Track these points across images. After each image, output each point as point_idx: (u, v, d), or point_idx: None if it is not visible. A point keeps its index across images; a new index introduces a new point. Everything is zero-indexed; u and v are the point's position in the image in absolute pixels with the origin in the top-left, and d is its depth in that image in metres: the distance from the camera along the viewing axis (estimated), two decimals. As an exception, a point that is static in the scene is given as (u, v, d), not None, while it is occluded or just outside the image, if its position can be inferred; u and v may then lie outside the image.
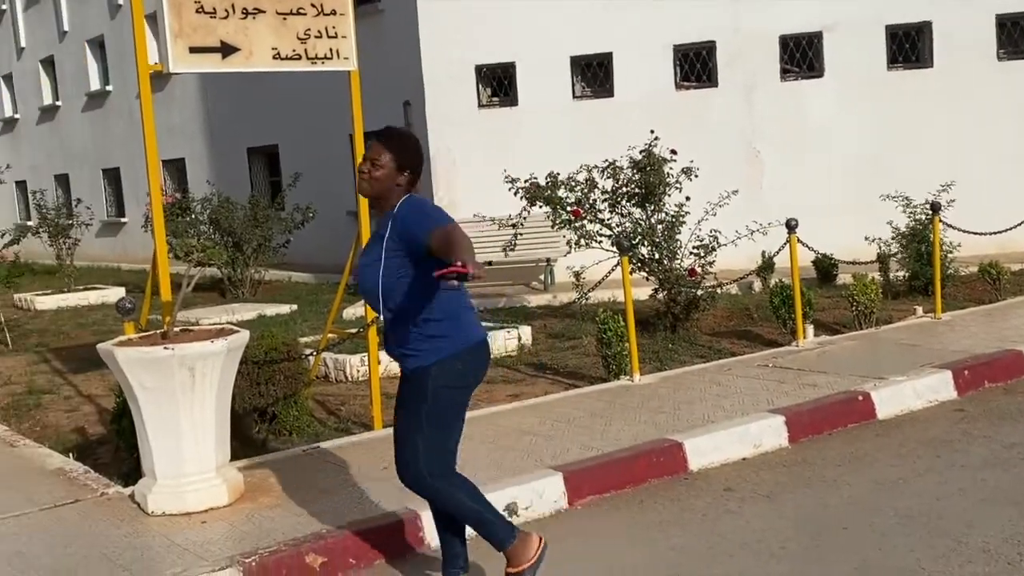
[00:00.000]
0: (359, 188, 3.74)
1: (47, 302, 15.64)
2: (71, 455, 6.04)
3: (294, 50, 5.49)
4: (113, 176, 26.00)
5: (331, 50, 5.62)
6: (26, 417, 7.64)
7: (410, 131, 3.96)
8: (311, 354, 6.88)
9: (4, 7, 29.90)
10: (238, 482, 4.85)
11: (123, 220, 25.41)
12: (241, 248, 15.57)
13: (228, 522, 4.52)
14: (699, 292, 9.46)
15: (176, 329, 4.82)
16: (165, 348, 4.48)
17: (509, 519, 4.00)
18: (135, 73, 22.01)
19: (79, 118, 27.01)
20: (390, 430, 6.02)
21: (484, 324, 8.83)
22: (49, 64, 28.49)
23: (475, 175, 14.43)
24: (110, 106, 25.37)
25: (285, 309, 13.17)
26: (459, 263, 3.09)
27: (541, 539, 3.83)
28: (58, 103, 28.01)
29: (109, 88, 25.17)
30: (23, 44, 29.35)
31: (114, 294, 16.21)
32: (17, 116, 30.72)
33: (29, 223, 28.15)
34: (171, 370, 4.48)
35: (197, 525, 4.49)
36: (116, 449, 6.20)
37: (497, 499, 4.68)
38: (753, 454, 5.67)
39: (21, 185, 29.63)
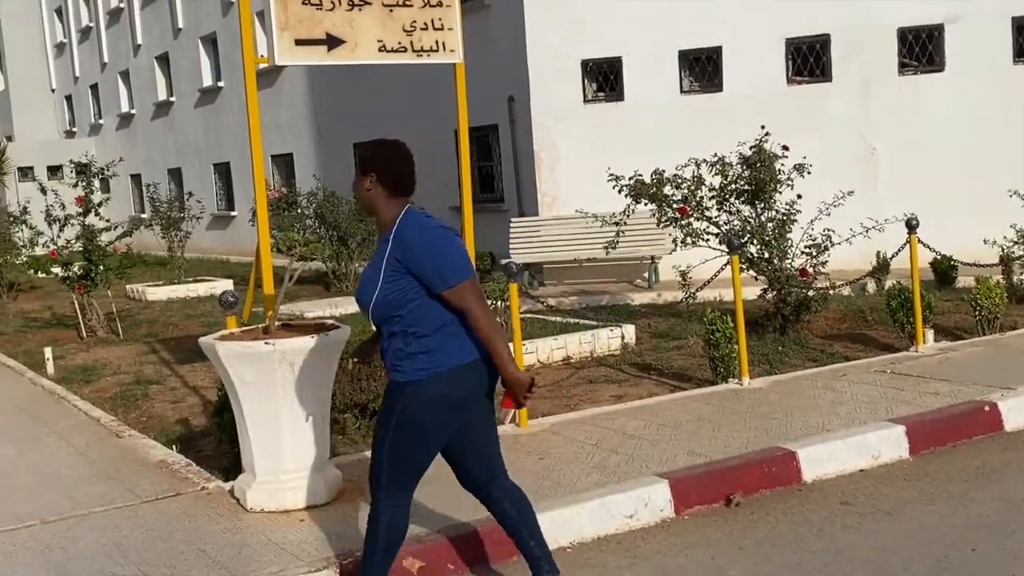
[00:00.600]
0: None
1: (158, 293, 16.04)
2: (174, 447, 6.08)
3: (399, 42, 5.40)
4: (223, 170, 26.61)
5: (437, 42, 5.52)
6: (133, 407, 7.76)
7: (381, 139, 3.81)
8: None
9: (122, 5, 30.89)
10: (336, 481, 4.78)
11: (232, 214, 25.98)
12: (346, 242, 15.73)
13: (326, 522, 4.44)
14: (810, 293, 9.11)
15: (277, 324, 4.77)
16: (266, 343, 4.42)
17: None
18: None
19: (192, 113, 27.72)
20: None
21: (586, 322, 8.63)
22: (164, 61, 29.32)
23: (578, 170, 14.28)
24: (221, 102, 25.96)
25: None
26: (512, 400, 3.42)
27: None
28: (172, 99, 28.81)
29: (221, 84, 25.76)
30: (139, 41, 30.28)
31: (222, 286, 16.53)
32: (133, 112, 31.72)
33: (143, 215, 29.09)
34: (271, 365, 4.43)
35: (295, 523, 4.43)
36: (218, 442, 6.23)
37: (602, 506, 4.52)
38: (871, 466, 5.36)
39: (136, 179, 30.61)
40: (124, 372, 9.35)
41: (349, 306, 12.83)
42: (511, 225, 14.40)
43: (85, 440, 6.38)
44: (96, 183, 12.66)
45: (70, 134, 38.55)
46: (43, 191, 12.22)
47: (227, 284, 16.65)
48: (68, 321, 13.50)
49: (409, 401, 3.51)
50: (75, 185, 12.66)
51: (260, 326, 4.86)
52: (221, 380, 5.34)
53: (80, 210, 11.85)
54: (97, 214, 12.13)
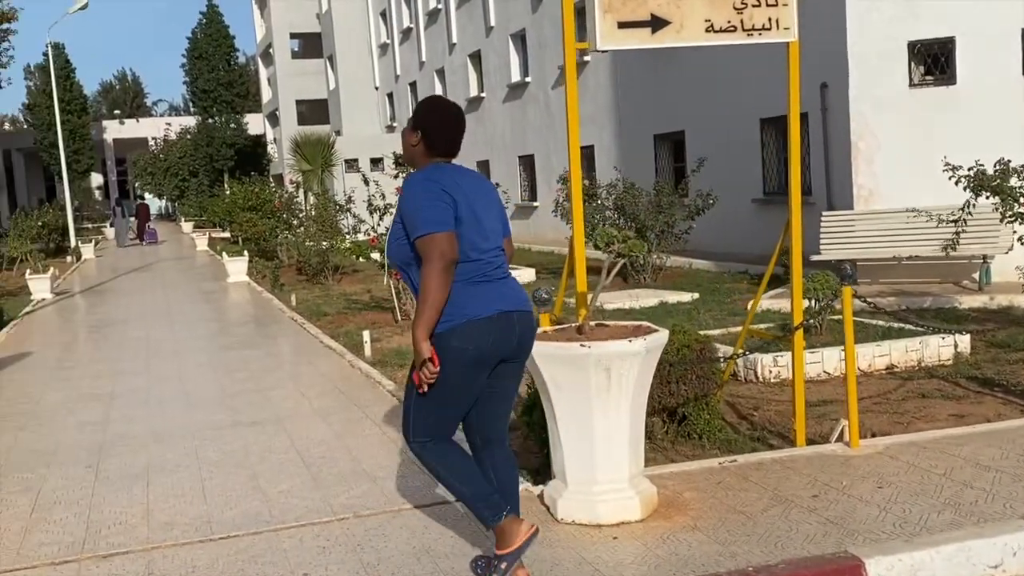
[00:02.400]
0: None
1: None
2: (482, 442, 5.99)
3: (729, 21, 4.96)
4: (528, 162, 27.16)
5: (770, 20, 5.02)
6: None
7: (438, 98, 3.80)
8: (730, 357, 6.33)
9: (440, 6, 32.29)
10: (651, 496, 4.44)
11: (535, 204, 26.44)
12: (644, 234, 15.45)
13: (641, 541, 4.11)
14: None
15: (591, 323, 4.50)
16: (581, 345, 4.15)
17: (496, 503, 3.66)
18: (552, 64, 22.71)
19: (500, 108, 28.50)
20: (818, 448, 5.43)
21: (911, 327, 7.69)
22: (476, 58, 30.35)
23: (900, 161, 13.17)
24: (528, 96, 26.47)
25: (687, 297, 12.78)
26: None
27: (533, 527, 3.65)
28: (482, 94, 29.77)
29: (528, 79, 26.26)
30: (454, 40, 31.54)
31: (526, 275, 16.76)
32: (446, 106, 33.12)
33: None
34: (586, 369, 4.15)
35: (608, 540, 4.14)
36: (524, 438, 6.09)
37: (960, 552, 3.89)
38: None
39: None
40: (408, 360, 9.53)
41: (648, 298, 12.54)
42: (822, 219, 13.49)
43: (397, 428, 6.44)
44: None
45: (390, 129, 40.97)
46: (365, 181, 12.85)
47: (530, 273, 16.86)
48: (385, 304, 14.12)
49: (436, 354, 3.50)
50: (396, 176, 13.21)
51: (573, 325, 4.61)
52: (532, 377, 5.16)
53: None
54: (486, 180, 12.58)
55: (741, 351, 6.22)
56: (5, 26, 64.74)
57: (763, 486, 4.75)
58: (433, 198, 3.47)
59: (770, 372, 7.72)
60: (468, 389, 3.62)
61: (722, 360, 6.23)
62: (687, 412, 6.05)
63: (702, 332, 7.56)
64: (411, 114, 3.75)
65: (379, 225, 12.45)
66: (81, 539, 4.62)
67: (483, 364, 3.59)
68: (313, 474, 5.50)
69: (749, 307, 11.06)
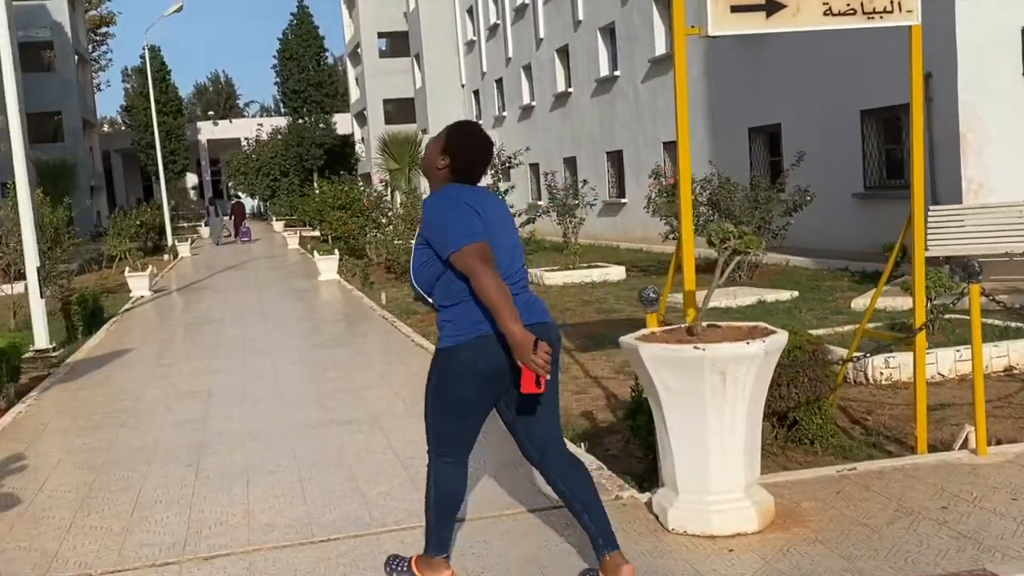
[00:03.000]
0: None
1: (554, 278, 16.31)
2: (582, 445, 5.81)
3: (848, 4, 4.68)
4: (616, 158, 26.84)
5: (892, 2, 4.74)
6: (538, 395, 7.67)
7: (469, 125, 3.75)
8: (846, 360, 6.03)
9: (527, 2, 32.17)
10: (768, 506, 4.21)
11: (623, 200, 26.11)
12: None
13: (759, 554, 3.89)
14: None
15: (703, 324, 4.28)
16: (695, 348, 3.94)
17: (443, 544, 3.80)
18: (642, 57, 22.28)
19: (588, 103, 28.24)
20: (942, 455, 5.10)
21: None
22: (563, 53, 30.13)
23: (1011, 153, 12.61)
24: (616, 91, 26.16)
25: (785, 296, 12.40)
26: (532, 381, 3.36)
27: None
28: (570, 89, 29.54)
29: (616, 73, 25.94)
30: (541, 35, 31.37)
31: (616, 273, 16.53)
32: (533, 103, 32.98)
33: (539, 203, 30.16)
34: (700, 373, 3.94)
35: (723, 553, 3.92)
36: (625, 441, 5.90)
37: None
38: None
39: (534, 167, 31.79)
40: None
41: (746, 296, 12.21)
42: (929, 214, 12.93)
43: (491, 431, 6.30)
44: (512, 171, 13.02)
45: (476, 126, 41.02)
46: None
47: (620, 271, 16.63)
48: (473, 304, 14.06)
49: (440, 369, 3.60)
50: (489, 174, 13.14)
51: (683, 326, 4.40)
52: (635, 378, 4.98)
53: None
54: (503, 200, 12.49)
55: (861, 354, 5.91)
56: (103, 30, 66.81)
57: (886, 496, 4.48)
58: (462, 212, 3.47)
59: (881, 374, 7.39)
60: (478, 403, 3.61)
61: (836, 362, 5.95)
62: (798, 416, 5.78)
63: (811, 332, 7.28)
64: (440, 136, 3.69)
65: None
66: (182, 540, 4.58)
67: (495, 379, 3.56)
68: (411, 475, 5.39)
69: (863, 306, 10.76)
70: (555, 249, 21.17)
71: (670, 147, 23.58)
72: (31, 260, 11.60)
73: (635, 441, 5.30)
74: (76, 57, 47.80)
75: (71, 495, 5.43)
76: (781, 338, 4.13)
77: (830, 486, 4.67)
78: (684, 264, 4.97)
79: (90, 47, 59.24)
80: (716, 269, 4.28)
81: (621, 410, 6.89)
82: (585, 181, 25.49)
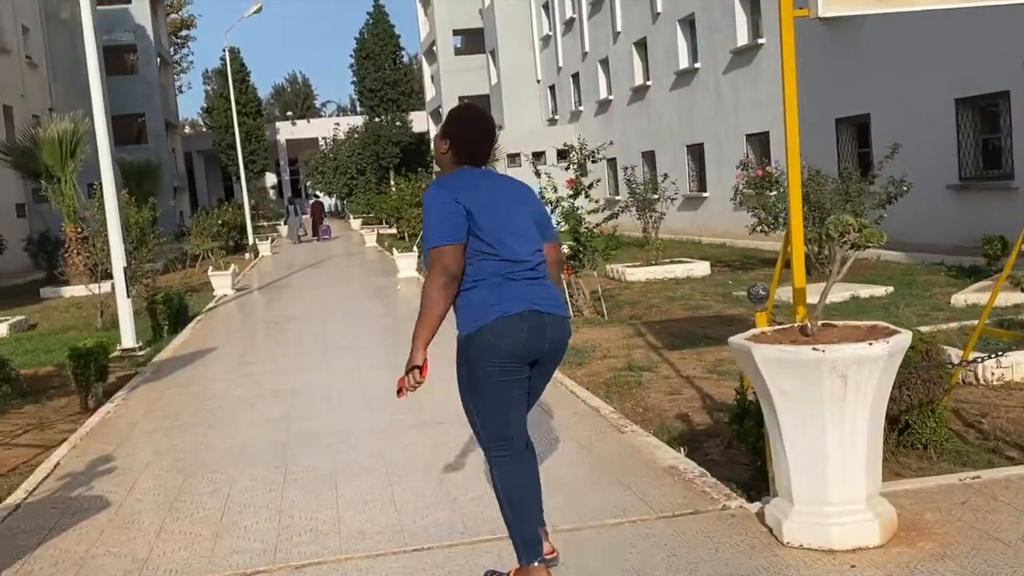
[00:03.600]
0: None
1: (636, 274, 16.01)
2: (682, 450, 5.55)
3: (972, -21, 4.36)
4: (696, 152, 26.37)
5: (1019, -25, 4.40)
6: (627, 396, 7.42)
7: (467, 107, 3.82)
8: (967, 361, 5.68)
9: (603, -5, 31.83)
10: (891, 518, 3.92)
11: (704, 194, 25.64)
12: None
13: (883, 571, 3.60)
14: None
15: (818, 323, 4.01)
16: (814, 349, 3.68)
17: (534, 544, 3.65)
18: (723, 48, 21.78)
19: (666, 96, 27.80)
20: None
21: None
22: (641, 46, 29.73)
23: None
24: (697, 83, 25.70)
25: (879, 291, 11.94)
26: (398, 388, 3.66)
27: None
28: (648, 83, 29.13)
29: (697, 65, 25.48)
30: (619, 29, 31.00)
31: (700, 268, 16.16)
32: (611, 97, 32.62)
33: (617, 198, 29.81)
34: (819, 376, 3.67)
35: (845, 570, 3.65)
36: (726, 446, 5.63)
37: None
38: None
39: (611, 162, 31.44)
40: (614, 356, 9.15)
41: (838, 292, 11.76)
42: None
43: (587, 433, 6.09)
44: (588, 165, 12.80)
45: (552, 122, 40.79)
46: (536, 174, 12.59)
47: (704, 266, 16.25)
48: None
49: (463, 355, 3.64)
50: (567, 168, 12.90)
51: (796, 325, 4.13)
52: (750, 384, 4.72)
53: (571, 192, 12.03)
54: (587, 196, 12.24)
55: (984, 355, 5.56)
56: (184, 33, 68.13)
57: (1017, 508, 4.15)
58: (442, 211, 3.54)
59: (992, 374, 6.97)
60: (511, 384, 3.62)
61: (949, 363, 5.60)
62: (910, 420, 5.45)
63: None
64: (444, 124, 3.79)
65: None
66: (272, 547, 4.46)
67: (519, 359, 3.60)
68: (503, 481, 5.20)
69: (963, 303, 10.28)
70: (635, 245, 20.85)
71: (753, 139, 23.08)
72: (118, 260, 11.72)
73: (740, 447, 5.03)
74: (158, 60, 48.78)
75: (160, 498, 5.36)
76: (904, 338, 3.84)
77: (953, 495, 4.35)
78: (794, 259, 4.68)
79: (171, 50, 60.48)
80: (834, 264, 4.00)
81: (718, 412, 6.62)
82: (666, 175, 25.14)
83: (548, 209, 12.23)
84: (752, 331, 4.18)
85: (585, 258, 12.05)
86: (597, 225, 12.31)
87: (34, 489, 5.69)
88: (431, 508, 4.83)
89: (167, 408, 7.94)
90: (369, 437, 6.44)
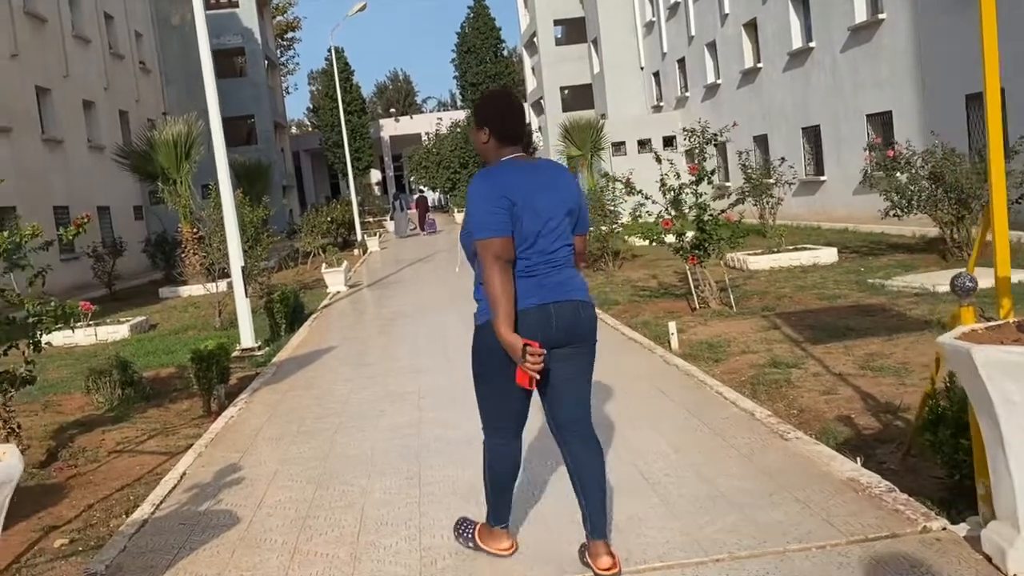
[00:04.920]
0: None
1: (759, 262, 15.32)
2: (858, 459, 4.98)
3: None
4: (812, 134, 25.35)
5: None
6: (776, 395, 6.86)
7: (492, 92, 3.85)
8: None
9: (709, -24, 30.91)
10: None
11: (821, 178, 24.62)
12: (967, 204, 13.70)
13: None
14: None
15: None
16: (1051, 350, 3.12)
17: (502, 516, 4.10)
18: (840, 25, 20.77)
19: (779, 78, 26.82)
20: None
21: None
22: (751, 27, 28.76)
23: None
24: (812, 63, 24.68)
25: (1031, 275, 11.07)
26: (525, 378, 3.49)
27: (513, 547, 4.15)
28: (758, 65, 28.16)
29: (811, 45, 24.46)
30: (727, 11, 30.07)
31: (826, 255, 15.38)
32: (719, 81, 31.70)
33: (726, 184, 28.93)
34: (1056, 381, 3.11)
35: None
36: (905, 454, 5.05)
37: None
38: None
39: (720, 148, 30.53)
40: (752, 351, 8.58)
41: (982, 278, 10.94)
42: None
43: (745, 440, 5.57)
44: (710, 149, 12.18)
45: (656, 109, 39.96)
46: (658, 159, 12.06)
47: (831, 253, 15.45)
48: (674, 291, 13.28)
49: (477, 345, 3.77)
50: (688, 151, 12.32)
51: (1012, 321, 3.56)
52: (965, 390, 4.16)
53: (693, 178, 11.46)
54: (710, 182, 11.66)
55: None
56: (290, 35, 69.21)
57: None
58: (491, 203, 3.57)
59: None
60: (513, 378, 3.61)
61: None
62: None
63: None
64: (473, 113, 3.84)
65: (669, 207, 11.59)
66: (416, 571, 4.08)
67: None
68: (662, 497, 4.73)
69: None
70: (753, 232, 20.07)
71: (874, 119, 22.01)
72: (235, 260, 11.62)
73: (938, 460, 4.43)
74: (266, 62, 49.53)
75: (291, 513, 5.05)
76: None
77: None
78: (996, 244, 4.08)
79: (278, 52, 61.45)
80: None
81: (884, 414, 6.03)
82: (783, 159, 24.24)
83: (672, 196, 11.68)
84: (960, 329, 3.62)
85: (710, 247, 11.47)
86: (722, 212, 11.71)
87: (160, 502, 5.46)
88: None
89: (290, 412, 7.69)
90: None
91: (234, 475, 5.86)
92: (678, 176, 11.67)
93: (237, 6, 47.44)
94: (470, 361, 3.84)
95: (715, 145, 12.30)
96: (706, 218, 11.38)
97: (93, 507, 5.73)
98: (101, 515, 5.55)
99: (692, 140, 11.97)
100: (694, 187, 11.44)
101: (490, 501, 4.05)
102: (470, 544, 4.21)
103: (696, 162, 11.75)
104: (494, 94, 3.82)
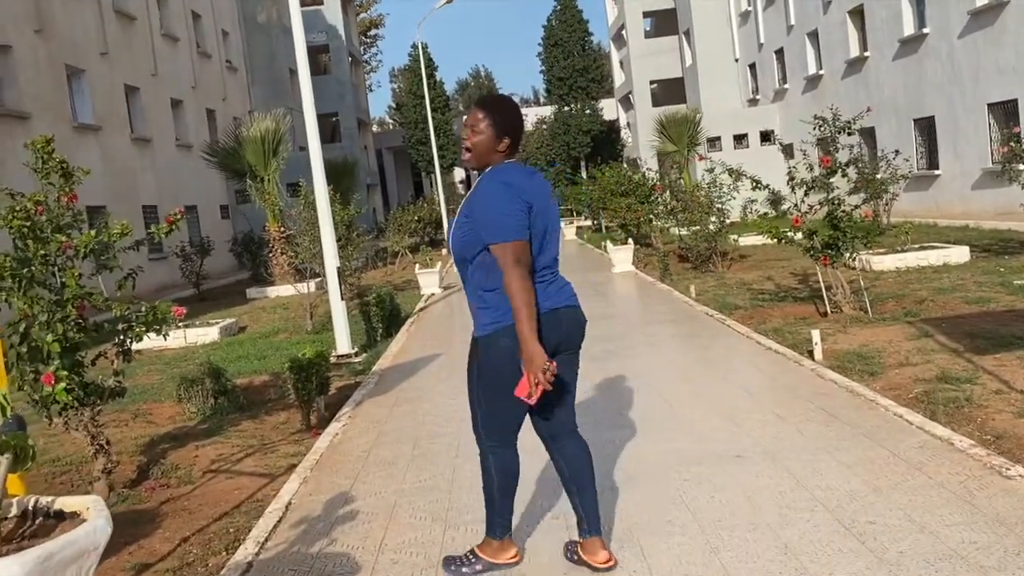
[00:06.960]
0: (463, 161, 3.75)
1: (884, 262, 14.20)
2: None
3: None
4: (925, 126, 23.97)
5: None
6: (959, 417, 5.88)
7: (511, 100, 3.68)
8: None
9: (811, -38, 29.57)
10: None
11: (936, 173, 23.24)
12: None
13: None
14: None
15: None
16: None
17: (509, 524, 3.94)
18: (958, 9, 19.31)
19: (888, 67, 25.46)
20: None
21: None
22: (857, 14, 27.43)
23: None
24: (925, 50, 23.30)
25: None
26: (526, 390, 3.40)
27: (518, 557, 4.02)
28: (866, 54, 26.81)
29: (925, 31, 23.09)
30: (830, -3, 28.77)
31: (956, 254, 14.19)
32: (821, 72, 30.37)
33: (831, 180, 27.61)
34: None
35: None
36: None
37: None
38: None
39: (822, 142, 29.23)
40: (911, 363, 7.57)
41: None
42: None
43: (954, 476, 4.62)
44: (840, 140, 11.16)
45: (752, 102, 38.64)
46: (784, 153, 11.09)
47: (962, 251, 14.24)
48: (795, 294, 12.28)
49: (483, 355, 3.65)
50: (817, 142, 11.31)
51: None
52: None
53: (825, 171, 10.45)
54: (844, 175, 10.64)
55: None
56: (373, 32, 69.18)
57: None
58: (514, 206, 3.48)
59: None
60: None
61: None
62: None
63: None
64: (488, 115, 3.63)
65: (802, 203, 10.58)
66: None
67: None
68: (871, 549, 3.84)
69: None
70: (861, 229, 18.83)
71: (996, 108, 20.60)
72: (330, 261, 10.97)
73: None
74: (349, 59, 49.40)
75: (420, 560, 4.26)
76: None
77: None
78: None
79: (361, 49, 61.42)
80: None
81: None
82: (897, 151, 22.90)
83: (802, 192, 10.67)
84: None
85: (844, 246, 10.45)
86: (856, 207, 10.68)
87: (265, 539, 4.73)
88: (791, 595, 3.53)
89: (400, 430, 6.94)
90: (660, 474, 5.18)
91: (347, 507, 5.12)
92: (811, 169, 10.68)
93: (322, 3, 47.36)
94: (473, 375, 3.72)
95: (849, 133, 11.23)
96: (839, 214, 10.37)
97: (189, 540, 5.04)
98: (199, 551, 4.86)
99: (823, 129, 10.93)
100: (826, 181, 10.44)
101: (497, 512, 3.92)
102: (478, 567, 3.95)
103: (830, 154, 10.74)
104: (513, 104, 3.72)
